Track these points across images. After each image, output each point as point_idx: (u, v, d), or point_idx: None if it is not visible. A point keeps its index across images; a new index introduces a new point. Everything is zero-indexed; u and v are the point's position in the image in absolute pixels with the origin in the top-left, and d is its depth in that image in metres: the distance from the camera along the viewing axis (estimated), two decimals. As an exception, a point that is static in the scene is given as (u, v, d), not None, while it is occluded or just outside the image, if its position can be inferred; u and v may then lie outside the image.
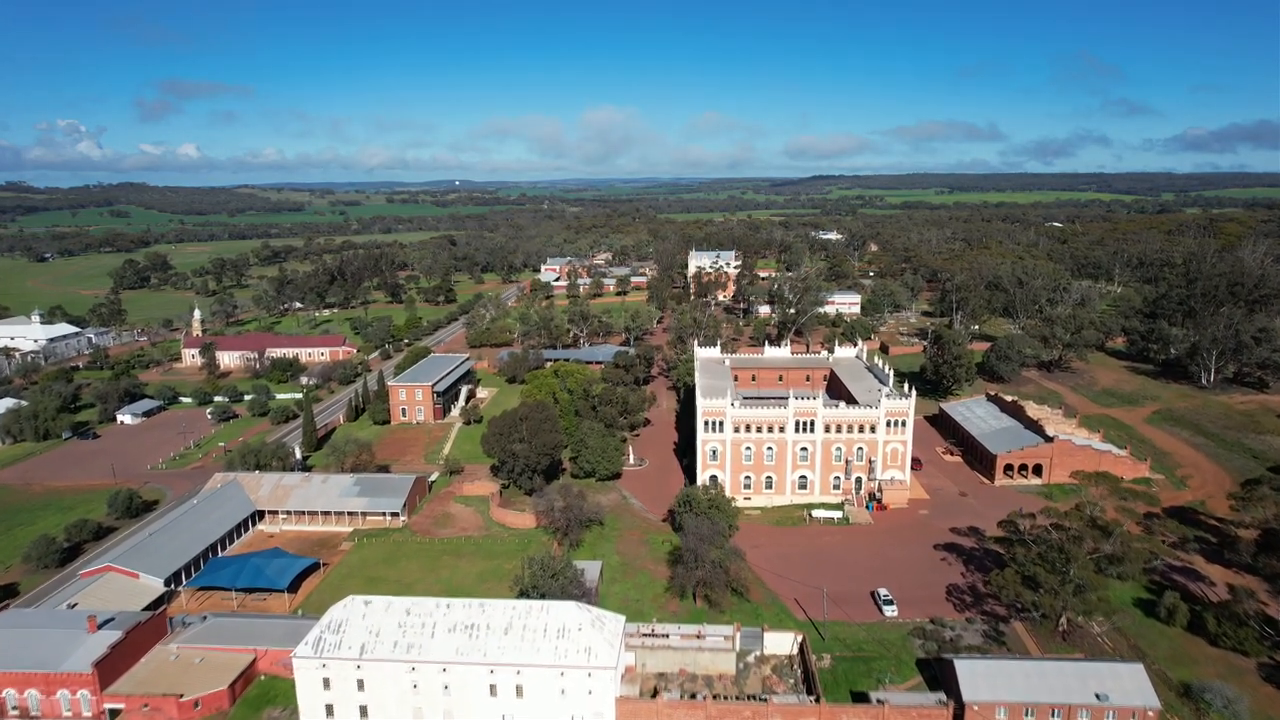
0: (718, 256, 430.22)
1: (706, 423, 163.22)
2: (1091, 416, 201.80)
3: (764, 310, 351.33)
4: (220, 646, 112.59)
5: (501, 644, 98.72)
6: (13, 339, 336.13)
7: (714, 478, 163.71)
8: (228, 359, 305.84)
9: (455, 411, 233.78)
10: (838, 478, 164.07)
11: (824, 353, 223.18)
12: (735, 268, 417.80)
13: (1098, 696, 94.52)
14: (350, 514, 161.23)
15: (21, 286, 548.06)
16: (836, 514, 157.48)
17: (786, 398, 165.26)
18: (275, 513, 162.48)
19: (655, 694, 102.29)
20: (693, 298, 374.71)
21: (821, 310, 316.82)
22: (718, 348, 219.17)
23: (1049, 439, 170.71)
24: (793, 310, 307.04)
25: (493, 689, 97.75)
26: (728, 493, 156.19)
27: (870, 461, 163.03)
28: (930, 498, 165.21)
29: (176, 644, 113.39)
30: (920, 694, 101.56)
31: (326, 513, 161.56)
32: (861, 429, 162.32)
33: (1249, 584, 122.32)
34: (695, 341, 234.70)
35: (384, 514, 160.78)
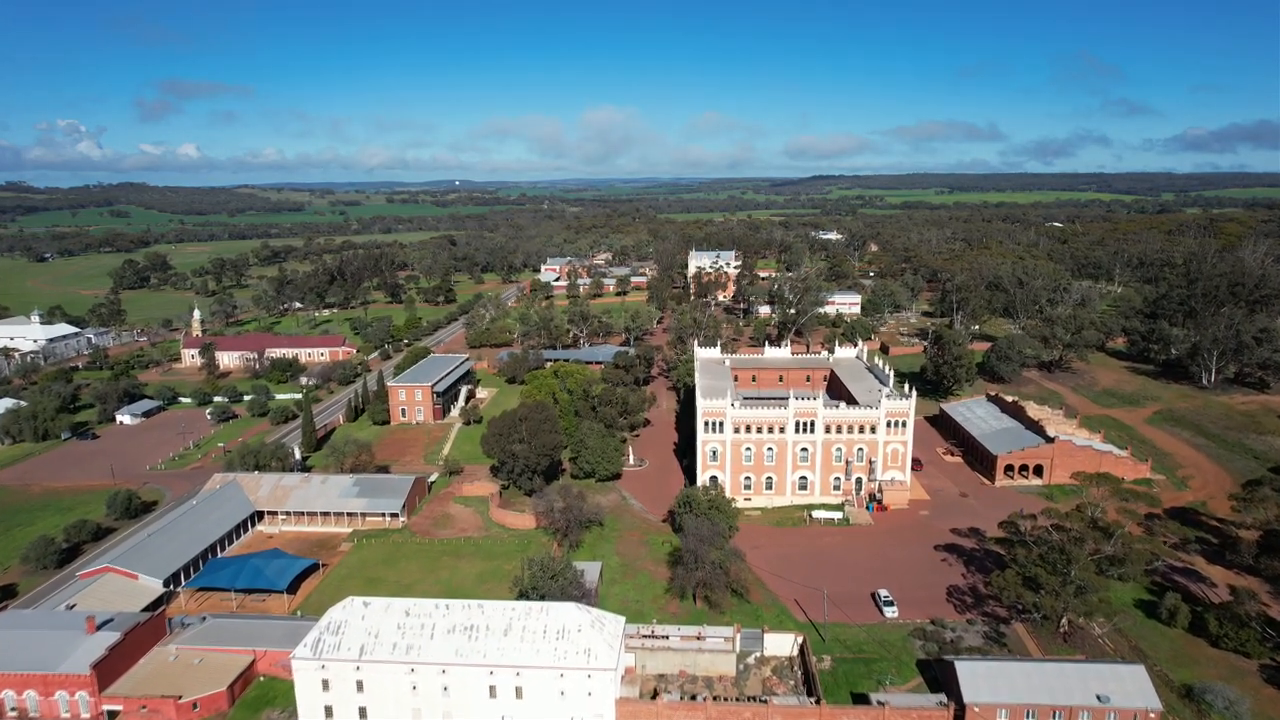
0: (718, 256, 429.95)
1: (706, 423, 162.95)
2: (1092, 417, 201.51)
3: (764, 310, 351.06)
4: (219, 648, 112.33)
5: (501, 645, 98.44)
6: (12, 339, 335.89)
7: (714, 478, 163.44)
8: (227, 359, 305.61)
9: (455, 412, 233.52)
10: (838, 478, 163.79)
11: (824, 353, 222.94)
12: (735, 268, 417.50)
13: (1099, 698, 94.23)
14: (350, 515, 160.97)
15: (21, 286, 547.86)
16: (837, 515, 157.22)
17: (787, 398, 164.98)
18: (274, 513, 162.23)
19: (655, 695, 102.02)
20: (693, 298, 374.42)
21: (821, 310, 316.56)
22: (718, 348, 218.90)
23: (1050, 440, 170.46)
24: (793, 310, 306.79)
25: (492, 690, 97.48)
26: (728, 493, 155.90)
27: (870, 462, 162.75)
28: (931, 498, 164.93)
29: (175, 645, 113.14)
30: (921, 695, 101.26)
31: (326, 513, 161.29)
32: (862, 429, 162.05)
33: (1250, 585, 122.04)
34: (695, 342, 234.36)
35: (383, 515, 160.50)
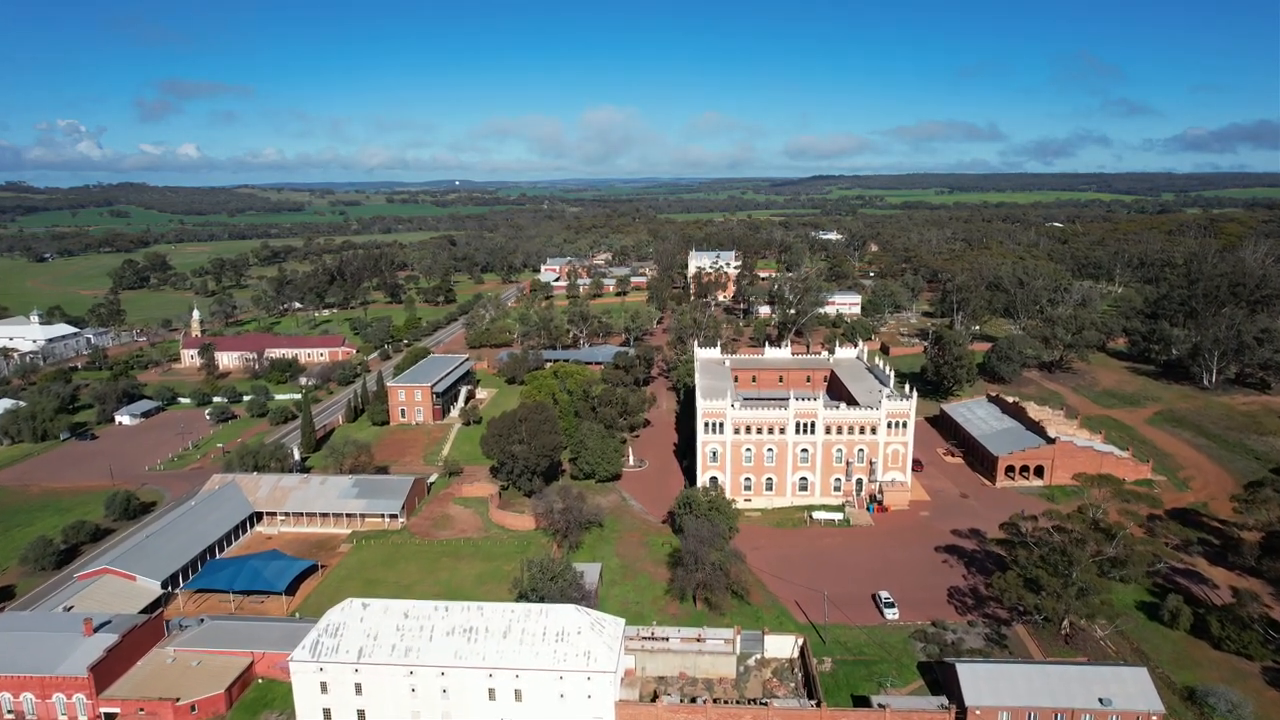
0: (718, 257, 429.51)
1: (706, 424, 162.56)
2: (1093, 418, 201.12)
3: (764, 311, 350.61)
4: (217, 650, 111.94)
5: (500, 647, 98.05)
6: (11, 339, 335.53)
7: (714, 479, 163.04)
8: (227, 359, 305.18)
9: (454, 412, 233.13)
10: (838, 479, 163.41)
11: (824, 353, 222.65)
12: (735, 268, 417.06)
13: (1101, 701, 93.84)
14: (349, 515, 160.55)
15: (21, 286, 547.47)
16: (837, 516, 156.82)
17: (787, 399, 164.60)
18: (273, 514, 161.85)
19: (655, 698, 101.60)
20: (693, 298, 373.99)
21: (822, 311, 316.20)
22: (718, 348, 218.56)
23: (1050, 440, 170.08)
24: (793, 311, 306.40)
25: (491, 693, 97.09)
26: (728, 494, 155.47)
27: (871, 463, 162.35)
28: (931, 499, 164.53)
29: (173, 647, 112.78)
30: (922, 698, 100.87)
31: (325, 514, 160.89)
32: (862, 430, 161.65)
33: (1252, 587, 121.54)
34: (695, 342, 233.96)
35: (383, 515, 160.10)
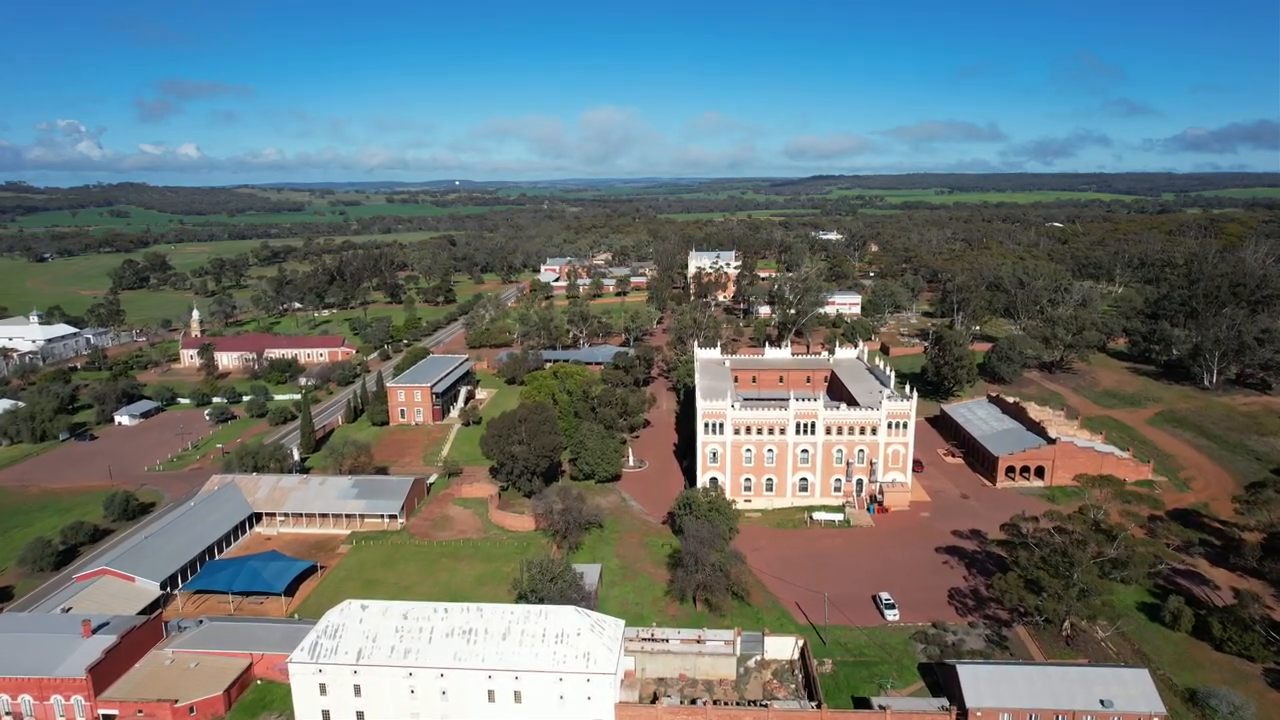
0: (718, 257, 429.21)
1: (706, 424, 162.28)
2: (1093, 418, 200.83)
3: (764, 311, 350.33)
4: (216, 651, 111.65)
5: (500, 649, 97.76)
6: (11, 339, 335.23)
7: (714, 480, 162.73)
8: (226, 360, 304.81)
9: (454, 413, 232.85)
10: (839, 480, 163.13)
11: (824, 354, 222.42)
12: (735, 268, 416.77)
13: (1102, 703, 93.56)
14: (348, 516, 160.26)
15: (21, 286, 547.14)
16: (837, 516, 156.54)
17: (787, 399, 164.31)
18: (273, 515, 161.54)
19: (655, 699, 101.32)
20: (693, 298, 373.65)
21: (822, 311, 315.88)
22: (718, 349, 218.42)
23: (1051, 441, 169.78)
24: (793, 311, 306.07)
25: (490, 695, 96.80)
26: (728, 495, 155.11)
27: (871, 463, 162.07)
28: (932, 500, 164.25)
29: (172, 648, 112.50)
30: (923, 699, 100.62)
31: (324, 515, 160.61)
32: (863, 431, 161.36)
33: (1254, 588, 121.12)
34: (695, 342, 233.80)
35: (382, 516, 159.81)
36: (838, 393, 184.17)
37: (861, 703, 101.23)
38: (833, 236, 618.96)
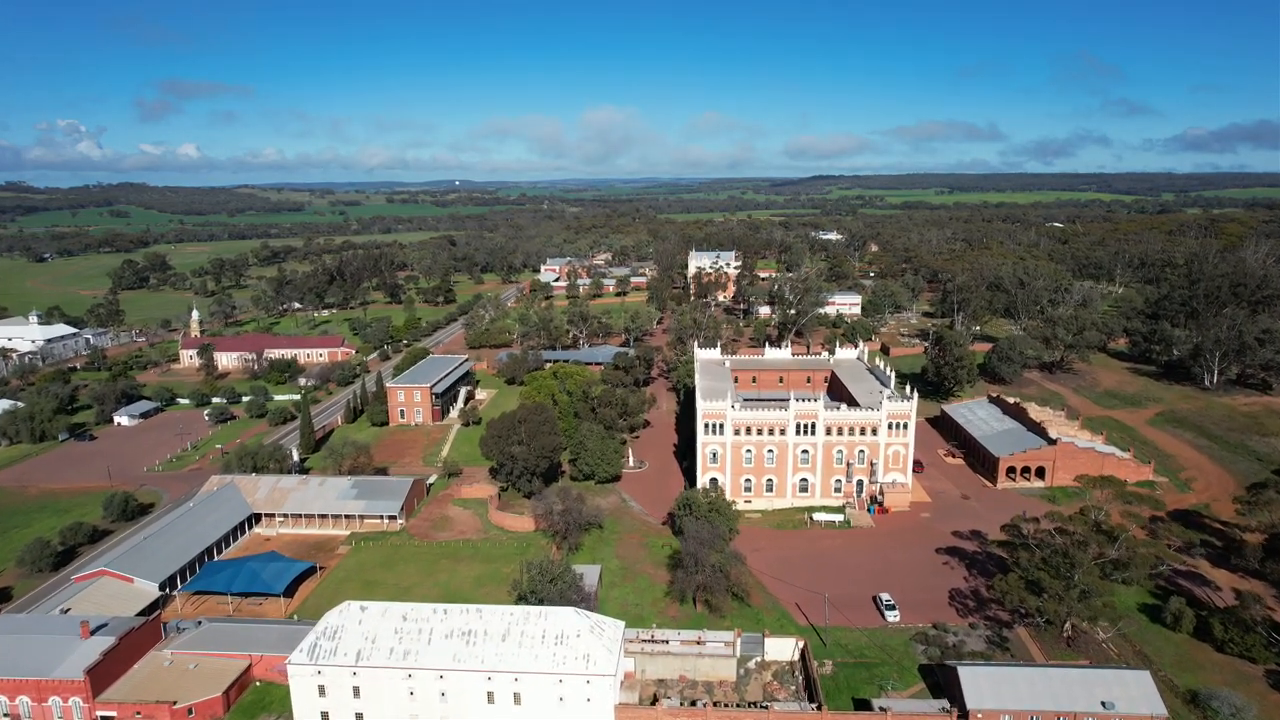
0: (718, 257, 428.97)
1: (706, 425, 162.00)
2: (1094, 418, 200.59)
3: (764, 311, 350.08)
4: (215, 652, 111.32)
5: (499, 650, 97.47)
6: (10, 340, 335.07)
7: (714, 480, 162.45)
8: (226, 360, 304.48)
9: (454, 413, 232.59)
10: (839, 480, 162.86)
11: (825, 354, 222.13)
12: (735, 268, 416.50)
13: (1103, 704, 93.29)
14: (347, 517, 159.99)
15: (21, 287, 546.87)
16: (838, 517, 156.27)
17: (787, 400, 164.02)
18: (272, 515, 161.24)
19: (655, 701, 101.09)
20: (693, 298, 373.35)
21: (822, 311, 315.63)
22: (718, 349, 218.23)
23: (1051, 441, 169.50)
24: (793, 311, 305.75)
25: (490, 696, 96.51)
26: (728, 495, 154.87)
27: (872, 464, 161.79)
28: (932, 500, 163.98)
29: (171, 650, 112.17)
30: (923, 701, 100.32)
31: (324, 515, 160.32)
32: (863, 431, 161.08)
33: (1255, 589, 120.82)
34: (695, 343, 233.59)
35: (381, 517, 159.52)
36: (838, 393, 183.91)
37: (862, 704, 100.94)
38: (833, 236, 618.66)
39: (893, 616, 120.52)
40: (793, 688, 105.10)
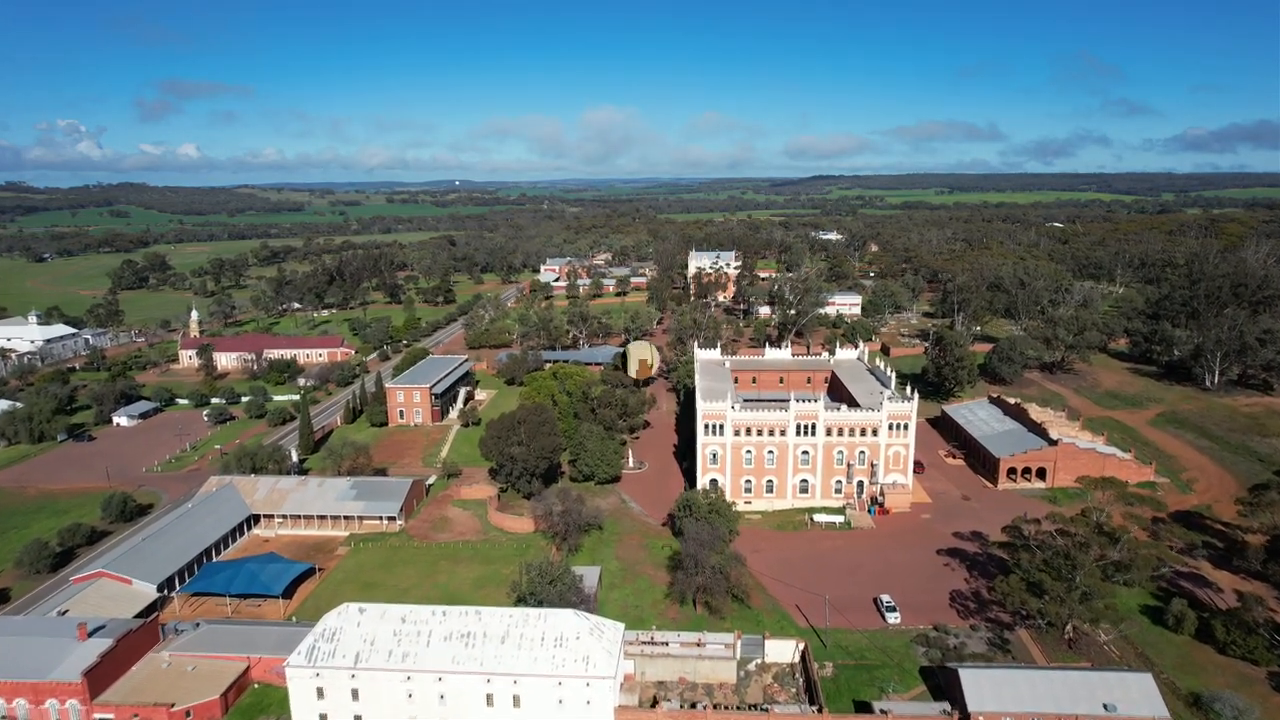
0: (718, 257, 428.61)
1: (706, 426, 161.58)
2: (1095, 419, 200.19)
3: (764, 311, 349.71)
4: (213, 654, 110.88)
5: (498, 653, 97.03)
6: (9, 340, 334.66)
7: (714, 481, 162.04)
8: (225, 360, 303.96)
9: (453, 414, 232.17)
10: (839, 481, 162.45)
11: (825, 354, 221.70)
12: (735, 268, 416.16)
13: (1105, 707, 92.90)
14: (346, 518, 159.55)
15: (20, 287, 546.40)
16: (838, 518, 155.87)
17: (787, 400, 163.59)
18: (271, 516, 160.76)
19: (655, 703, 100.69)
20: (693, 299, 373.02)
21: (822, 311, 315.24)
22: (718, 349, 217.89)
23: (1052, 442, 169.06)
24: (793, 311, 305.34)
25: (489, 699, 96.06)
26: (728, 496, 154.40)
27: (872, 465, 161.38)
28: (933, 501, 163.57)
29: (169, 651, 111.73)
30: (924, 704, 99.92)
31: (323, 516, 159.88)
32: (863, 432, 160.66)
33: (1258, 591, 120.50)
34: (695, 343, 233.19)
35: (381, 518, 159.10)
36: (838, 394, 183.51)
37: (863, 707, 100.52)
38: (833, 237, 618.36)
39: (893, 618, 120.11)
40: (793, 690, 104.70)
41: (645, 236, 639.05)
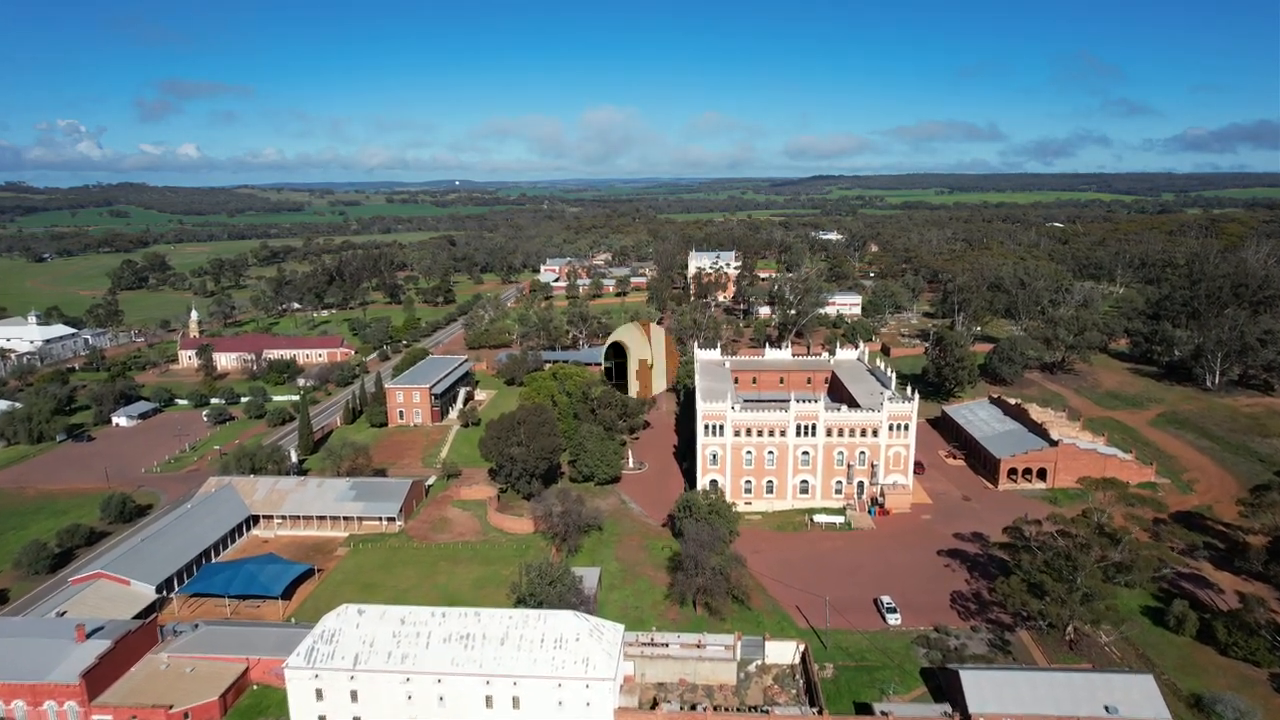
0: (718, 257, 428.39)
1: (706, 426, 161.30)
2: (1095, 419, 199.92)
3: (764, 311, 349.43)
4: (212, 655, 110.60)
5: (498, 654, 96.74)
6: (9, 340, 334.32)
7: (714, 482, 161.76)
8: (225, 360, 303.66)
9: (453, 414, 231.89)
10: (839, 482, 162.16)
11: (825, 355, 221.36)
12: (735, 268, 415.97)
13: (1106, 709, 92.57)
14: (346, 519, 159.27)
15: (20, 287, 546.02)
16: (838, 519, 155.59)
17: (787, 401, 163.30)
18: (270, 517, 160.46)
19: (655, 705, 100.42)
20: (693, 299, 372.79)
21: (822, 311, 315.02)
22: (718, 349, 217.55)
23: (1053, 443, 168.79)
24: (793, 311, 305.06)
25: (489, 700, 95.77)
26: (728, 497, 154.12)
27: (872, 465, 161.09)
28: (933, 502, 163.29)
29: (167, 653, 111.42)
30: (925, 705, 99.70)
31: (322, 517, 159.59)
32: (864, 433, 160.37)
33: (1259, 592, 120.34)
34: (695, 343, 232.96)
35: (380, 518, 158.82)
36: (838, 394, 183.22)
37: (863, 708, 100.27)
38: (833, 237, 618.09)
39: (894, 619, 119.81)
40: (793, 691, 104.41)
41: (645, 236, 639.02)
